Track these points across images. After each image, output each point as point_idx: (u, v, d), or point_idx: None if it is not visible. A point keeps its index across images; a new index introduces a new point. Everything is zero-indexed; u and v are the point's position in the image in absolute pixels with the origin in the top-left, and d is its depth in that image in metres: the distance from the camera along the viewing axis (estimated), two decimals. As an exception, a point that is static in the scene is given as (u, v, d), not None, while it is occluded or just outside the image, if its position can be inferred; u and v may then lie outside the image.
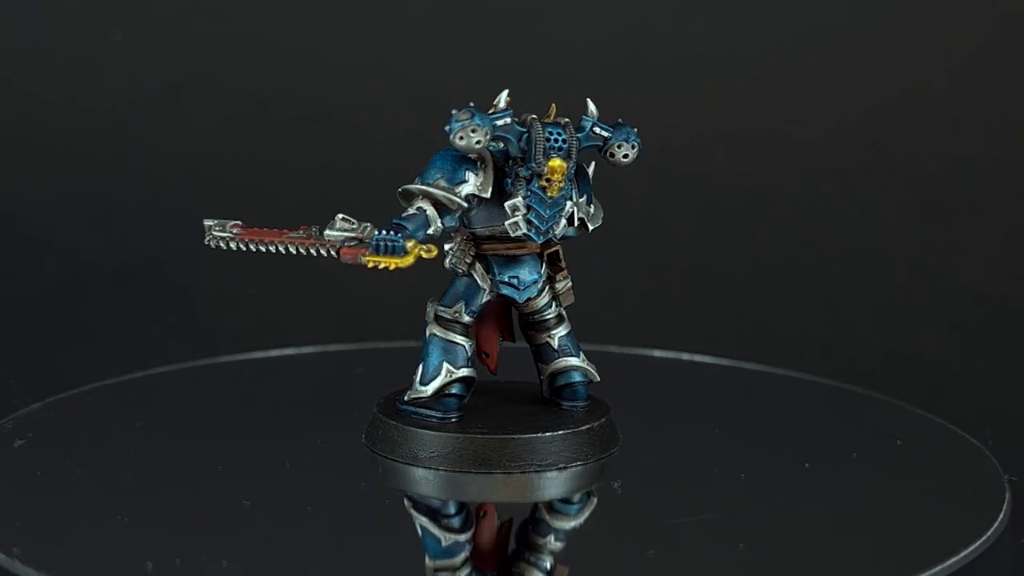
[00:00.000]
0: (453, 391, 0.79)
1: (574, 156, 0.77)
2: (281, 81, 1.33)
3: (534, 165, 0.76)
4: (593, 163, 0.80)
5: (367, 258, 0.75)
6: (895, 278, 1.26)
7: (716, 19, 1.35)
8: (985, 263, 1.26)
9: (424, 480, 0.77)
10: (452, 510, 0.76)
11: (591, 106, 0.78)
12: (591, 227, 0.80)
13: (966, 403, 1.04)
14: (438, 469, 0.77)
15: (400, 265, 0.74)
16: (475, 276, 0.79)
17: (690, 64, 1.34)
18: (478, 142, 0.75)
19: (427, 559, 0.71)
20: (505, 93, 0.77)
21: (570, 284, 0.81)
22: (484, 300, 0.79)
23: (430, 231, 0.76)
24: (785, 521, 0.76)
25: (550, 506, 0.76)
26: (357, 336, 1.10)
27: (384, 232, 0.74)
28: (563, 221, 0.78)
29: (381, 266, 0.74)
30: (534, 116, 0.77)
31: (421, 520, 0.75)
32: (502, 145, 0.76)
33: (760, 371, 1.00)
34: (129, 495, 0.77)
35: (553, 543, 0.73)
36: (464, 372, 0.79)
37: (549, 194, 0.77)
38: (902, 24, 1.35)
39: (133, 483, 0.78)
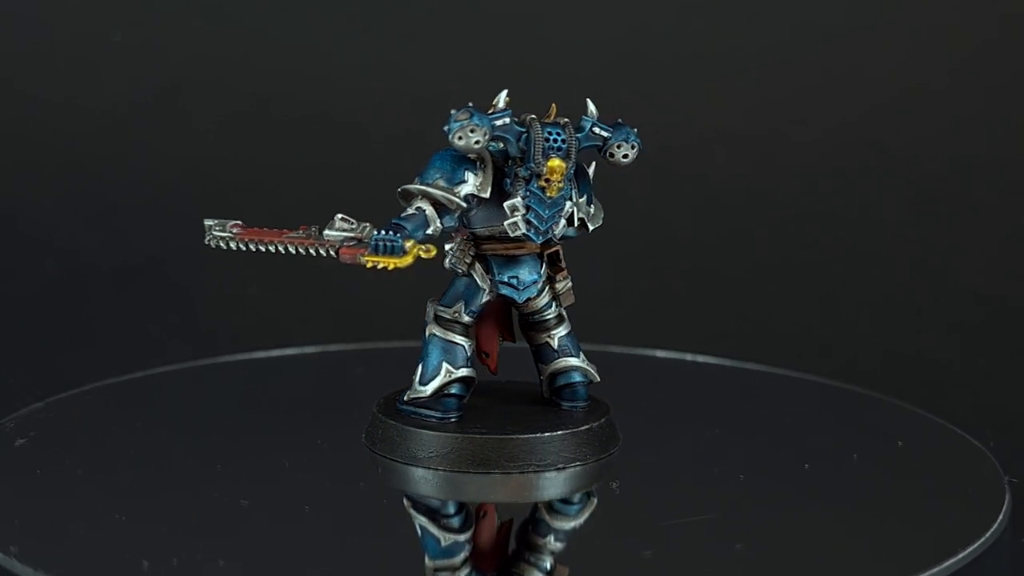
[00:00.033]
0: (452, 391, 0.79)
1: (573, 156, 0.77)
2: (281, 81, 1.33)
3: (533, 165, 0.76)
4: (593, 163, 0.80)
5: (366, 258, 0.75)
6: (895, 278, 1.26)
7: (716, 19, 1.35)
8: (985, 263, 1.26)
9: (423, 480, 0.77)
10: (451, 510, 0.76)
11: (591, 106, 0.78)
12: (591, 227, 0.80)
13: (966, 403, 1.04)
14: (437, 469, 0.77)
15: (399, 265, 0.74)
16: (475, 276, 0.79)
17: (690, 64, 1.34)
18: (477, 142, 0.75)
19: (426, 559, 0.71)
20: (504, 93, 0.77)
21: (570, 284, 0.81)
22: (484, 300, 0.79)
23: (429, 231, 0.76)
24: (785, 521, 0.76)
25: (550, 506, 0.76)
26: (357, 336, 1.10)
27: (383, 232, 0.74)
28: (562, 221, 0.78)
29: (380, 266, 0.74)
30: (533, 116, 0.77)
31: (420, 520, 0.75)
32: (501, 145, 0.76)
33: (760, 371, 1.00)
34: (129, 495, 0.77)
35: (553, 543, 0.73)
36: (463, 372, 0.79)
37: (548, 194, 0.77)
38: (902, 24, 1.35)
39: (133, 483, 0.78)
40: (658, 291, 1.26)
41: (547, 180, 0.77)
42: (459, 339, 0.79)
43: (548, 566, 0.71)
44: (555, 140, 0.76)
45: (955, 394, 1.07)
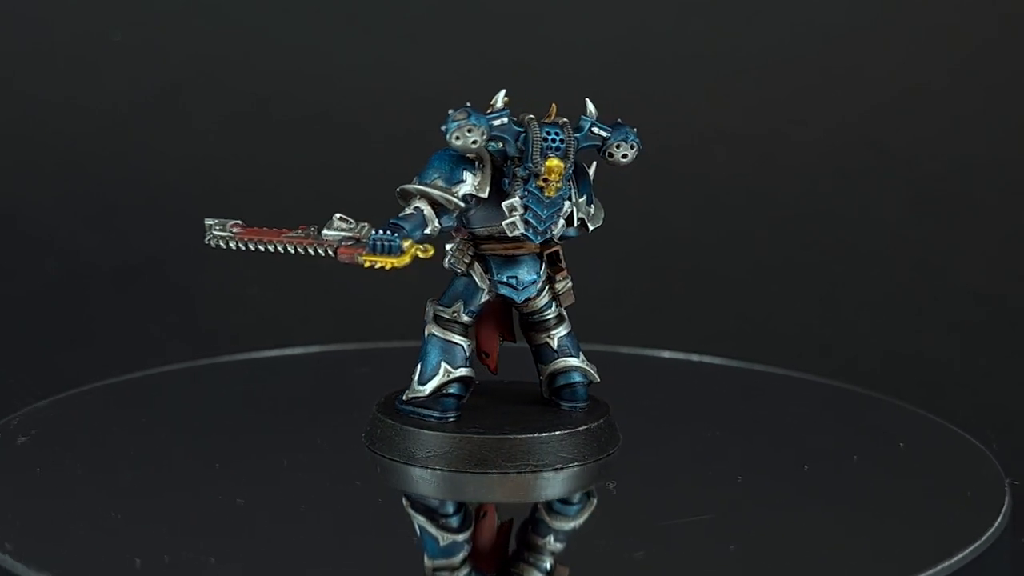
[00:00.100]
0: (451, 391, 0.79)
1: (572, 156, 0.77)
2: (281, 81, 1.33)
3: (531, 165, 0.76)
4: (594, 163, 0.80)
5: (364, 258, 0.75)
6: (895, 278, 1.26)
7: (716, 19, 1.35)
8: (985, 263, 1.26)
9: (421, 480, 0.77)
10: (450, 510, 0.76)
11: (590, 106, 0.78)
12: (591, 227, 0.80)
13: (966, 403, 1.04)
14: (435, 469, 0.77)
15: (396, 265, 0.74)
16: (474, 276, 0.79)
17: (690, 64, 1.34)
18: (474, 142, 0.75)
19: (426, 559, 0.71)
20: (502, 93, 0.77)
21: (570, 284, 0.81)
22: (483, 300, 0.79)
23: (427, 231, 0.76)
24: (785, 521, 0.76)
25: (549, 506, 0.76)
26: (357, 336, 1.10)
27: (381, 232, 0.74)
28: (561, 221, 0.78)
29: (377, 266, 0.74)
30: (532, 116, 0.77)
31: (419, 520, 0.75)
32: (500, 145, 0.76)
33: (760, 371, 1.00)
34: (129, 495, 0.77)
35: (552, 544, 0.73)
36: (462, 372, 0.79)
37: (546, 194, 0.77)
38: (902, 24, 1.35)
39: (133, 483, 0.78)
40: (658, 291, 1.26)
41: (545, 180, 0.77)
42: (458, 339, 0.79)
43: (548, 566, 0.71)
44: (553, 140, 0.76)
45: (955, 394, 1.07)
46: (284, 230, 0.78)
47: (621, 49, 1.34)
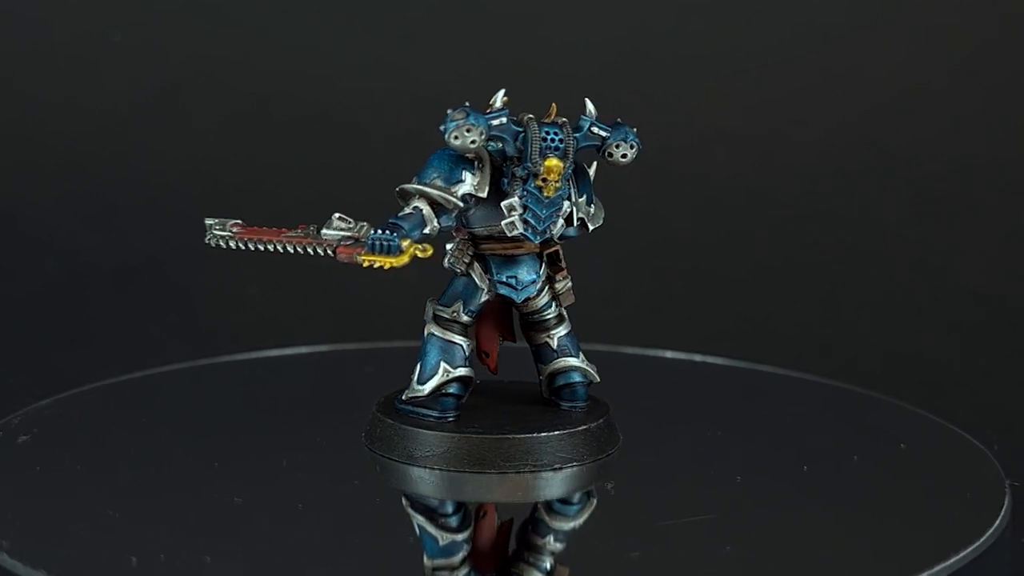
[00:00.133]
0: (450, 391, 0.79)
1: (571, 156, 0.77)
2: (281, 81, 1.33)
3: (530, 165, 0.76)
4: (594, 163, 0.80)
5: (363, 257, 0.75)
6: (895, 278, 1.25)
7: (716, 19, 1.35)
8: (985, 263, 1.26)
9: (421, 479, 0.77)
10: (449, 509, 0.76)
11: (589, 106, 0.78)
12: (591, 227, 0.80)
13: (966, 403, 1.04)
14: (434, 468, 0.77)
15: (395, 264, 0.74)
16: (473, 276, 0.79)
17: (690, 64, 1.34)
18: (473, 142, 0.75)
19: (425, 558, 0.71)
20: (501, 93, 0.77)
21: (570, 284, 0.81)
22: (482, 300, 0.79)
23: (426, 231, 0.76)
24: (785, 521, 0.76)
25: (549, 506, 0.76)
26: (357, 336, 1.10)
27: (380, 231, 0.74)
28: (560, 221, 0.78)
29: (376, 265, 0.74)
30: (531, 116, 0.77)
31: (419, 519, 0.75)
32: (499, 145, 0.76)
33: (760, 371, 1.00)
34: (129, 494, 0.77)
35: (552, 544, 0.73)
36: (461, 372, 0.79)
37: (545, 194, 0.77)
38: (902, 24, 1.35)
39: (133, 483, 0.78)
40: (658, 291, 1.26)
41: (544, 180, 0.77)
42: (458, 339, 0.79)
43: (547, 566, 0.71)
44: (552, 140, 0.76)
45: (955, 394, 1.07)
46: (284, 230, 0.78)
47: (621, 49, 1.34)
